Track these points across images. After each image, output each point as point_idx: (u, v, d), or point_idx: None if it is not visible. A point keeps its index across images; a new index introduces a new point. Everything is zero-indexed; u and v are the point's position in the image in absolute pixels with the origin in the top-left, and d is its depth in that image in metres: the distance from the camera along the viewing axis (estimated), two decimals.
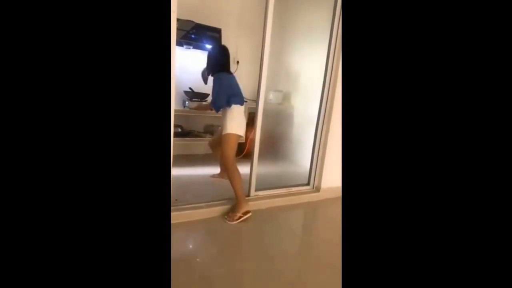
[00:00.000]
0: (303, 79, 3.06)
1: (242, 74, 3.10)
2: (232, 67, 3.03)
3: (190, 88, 2.66)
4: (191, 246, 1.50)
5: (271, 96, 3.03)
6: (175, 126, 1.62)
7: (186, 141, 2.55)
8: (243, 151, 2.96)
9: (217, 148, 2.05)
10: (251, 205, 1.88)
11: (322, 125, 2.26)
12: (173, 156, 1.57)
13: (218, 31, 2.77)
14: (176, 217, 1.65)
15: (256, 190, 2.04)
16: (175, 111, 1.58)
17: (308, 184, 2.33)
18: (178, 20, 1.47)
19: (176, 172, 1.69)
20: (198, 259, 1.36)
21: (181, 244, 1.49)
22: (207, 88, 2.88)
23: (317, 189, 2.29)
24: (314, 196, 2.24)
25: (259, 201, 1.99)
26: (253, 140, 2.07)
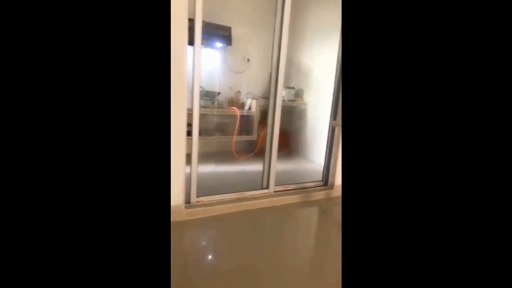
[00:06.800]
0: (315, 76, 3.02)
1: (252, 71, 3.09)
2: (243, 65, 3.03)
3: (201, 87, 2.67)
4: (204, 243, 1.51)
5: (283, 93, 3.01)
6: (188, 124, 1.62)
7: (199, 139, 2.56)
8: (255, 149, 2.95)
9: None
10: (273, 201, 1.93)
11: (335, 119, 2.21)
12: (186, 153, 1.60)
13: (228, 29, 2.77)
14: (193, 213, 1.68)
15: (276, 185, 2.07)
16: (188, 110, 1.58)
17: (322, 180, 2.30)
18: (189, 20, 1.47)
19: (187, 169, 1.69)
20: (211, 255, 1.37)
21: (193, 240, 1.50)
22: (218, 87, 2.90)
23: (331, 186, 2.24)
24: (328, 193, 2.21)
25: (276, 197, 2.00)
26: (265, 138, 2.06)
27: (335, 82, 2.20)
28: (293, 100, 3.12)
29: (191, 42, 1.53)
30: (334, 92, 2.21)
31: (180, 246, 1.42)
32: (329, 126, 2.29)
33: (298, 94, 3.20)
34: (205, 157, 2.83)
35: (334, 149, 2.22)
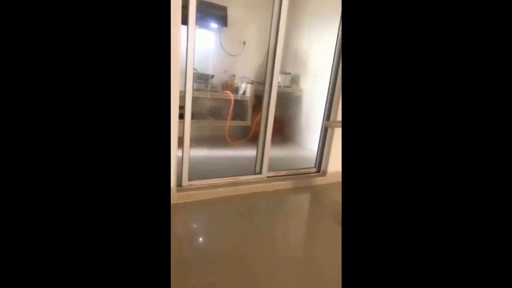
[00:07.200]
0: (312, 62, 2.97)
1: (247, 55, 3.02)
2: (238, 48, 2.95)
3: (194, 69, 2.60)
4: (195, 226, 1.51)
5: (279, 78, 2.97)
6: (180, 107, 1.58)
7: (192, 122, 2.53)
8: (249, 134, 2.93)
9: None
10: (265, 186, 1.95)
11: (331, 109, 2.20)
12: (178, 137, 1.58)
13: (224, 9, 2.67)
14: (184, 197, 1.68)
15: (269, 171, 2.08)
16: (180, 92, 1.54)
17: (315, 167, 2.32)
18: None
19: (179, 153, 1.68)
20: (203, 237, 1.38)
21: (185, 223, 1.51)
22: (212, 69, 2.83)
23: (324, 173, 2.26)
24: (320, 180, 2.23)
25: (269, 183, 2.01)
26: (259, 124, 2.04)
27: (332, 68, 2.17)
28: (289, 86, 3.08)
29: (184, 21, 1.47)
30: (330, 79, 2.18)
31: (171, 228, 1.42)
32: (322, 126, 2.28)
33: (294, 80, 3.16)
34: (197, 141, 2.81)
35: (328, 137, 2.23)
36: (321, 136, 2.29)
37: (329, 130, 2.22)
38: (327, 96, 2.23)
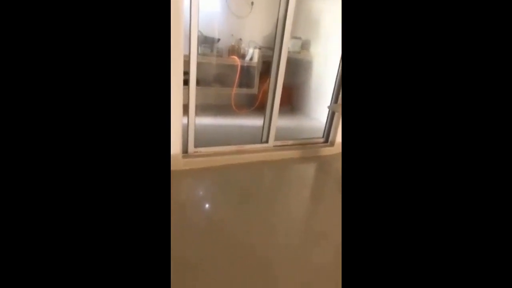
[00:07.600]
0: (324, 26, 2.78)
1: (256, 17, 2.84)
2: (246, 9, 2.76)
3: (199, 31, 2.47)
4: (200, 192, 1.54)
5: (289, 43, 2.81)
6: (184, 73, 1.52)
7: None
8: (256, 103, 2.86)
9: None
10: (272, 155, 1.90)
11: (340, 89, 2.10)
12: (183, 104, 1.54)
13: None
14: (190, 163, 1.67)
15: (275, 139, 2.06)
16: (184, 56, 1.47)
17: (323, 137, 2.28)
18: None
19: (184, 120, 1.65)
20: (207, 204, 1.40)
21: (192, 190, 1.53)
22: (217, 32, 2.69)
23: (332, 143, 2.23)
24: (328, 150, 2.20)
25: (275, 152, 2.00)
26: (267, 92, 1.97)
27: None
28: (299, 52, 2.93)
29: None
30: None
31: (176, 194, 1.44)
32: (329, 110, 2.19)
33: (305, 45, 2.99)
34: (203, 109, 2.76)
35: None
36: (331, 105, 2.21)
37: (340, 98, 2.13)
38: (337, 74, 2.10)
